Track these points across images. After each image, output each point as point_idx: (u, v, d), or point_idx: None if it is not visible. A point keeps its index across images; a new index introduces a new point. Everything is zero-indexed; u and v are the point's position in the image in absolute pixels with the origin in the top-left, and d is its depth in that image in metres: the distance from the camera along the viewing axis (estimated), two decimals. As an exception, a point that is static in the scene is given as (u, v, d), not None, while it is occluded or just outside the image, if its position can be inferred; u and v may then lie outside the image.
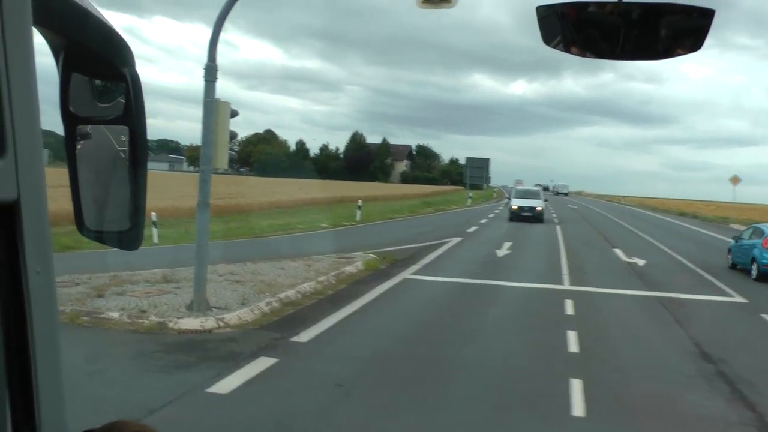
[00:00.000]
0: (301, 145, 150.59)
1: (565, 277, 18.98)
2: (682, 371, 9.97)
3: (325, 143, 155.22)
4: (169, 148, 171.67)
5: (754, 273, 20.84)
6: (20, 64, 0.93)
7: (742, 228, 28.97)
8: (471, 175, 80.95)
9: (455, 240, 28.17)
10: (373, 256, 20.62)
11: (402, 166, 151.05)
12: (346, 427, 7.33)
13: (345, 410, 7.75)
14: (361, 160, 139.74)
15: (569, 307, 14.29)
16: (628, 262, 23.70)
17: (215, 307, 12.02)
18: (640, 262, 23.60)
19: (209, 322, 11.22)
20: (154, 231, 21.80)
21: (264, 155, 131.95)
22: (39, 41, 1.06)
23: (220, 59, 11.94)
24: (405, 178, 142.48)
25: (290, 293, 13.95)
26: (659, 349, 11.34)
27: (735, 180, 57.08)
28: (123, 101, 1.33)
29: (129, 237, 1.41)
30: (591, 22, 1.68)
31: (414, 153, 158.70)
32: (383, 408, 7.91)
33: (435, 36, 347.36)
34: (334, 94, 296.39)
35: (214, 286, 13.44)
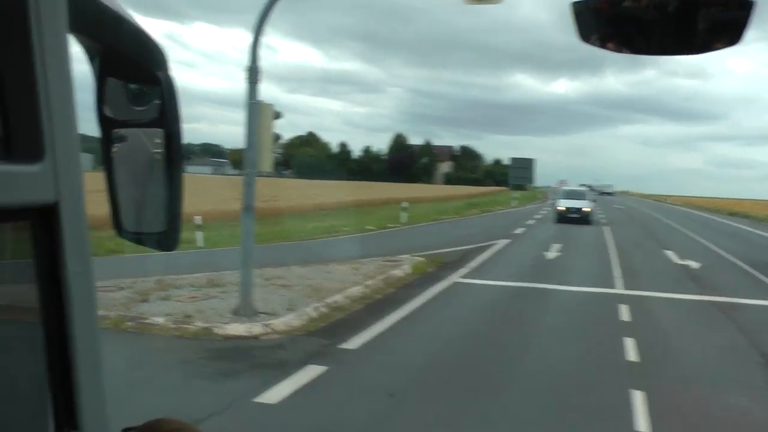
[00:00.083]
0: (343, 147, 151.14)
1: (618, 281, 18.44)
2: (752, 383, 9.47)
3: (368, 145, 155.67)
4: (211, 151, 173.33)
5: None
6: (57, 70, 0.96)
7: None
8: (516, 175, 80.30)
9: (503, 242, 27.69)
10: (420, 259, 20.27)
11: (445, 167, 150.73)
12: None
13: (397, 422, 7.47)
14: (404, 162, 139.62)
15: (624, 313, 13.82)
16: (681, 265, 23.01)
17: (262, 313, 11.80)
18: (694, 265, 22.91)
19: (256, 328, 11.00)
20: (199, 234, 21.76)
21: (306, 157, 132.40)
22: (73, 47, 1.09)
23: (261, 62, 11.77)
24: (448, 179, 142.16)
25: (338, 298, 13.69)
26: (723, 359, 10.82)
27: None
28: (158, 104, 1.36)
29: (166, 238, 1.43)
30: (627, 17, 1.65)
31: (457, 154, 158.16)
32: (436, 419, 7.59)
33: (475, 36, 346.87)
34: (375, 95, 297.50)
35: (261, 290, 13.20)
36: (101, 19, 1.17)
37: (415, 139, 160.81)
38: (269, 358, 9.73)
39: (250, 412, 7.54)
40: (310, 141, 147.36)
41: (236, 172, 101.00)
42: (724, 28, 1.63)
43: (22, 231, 0.98)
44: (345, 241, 26.00)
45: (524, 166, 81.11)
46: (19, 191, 0.92)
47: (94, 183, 1.46)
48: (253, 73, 11.62)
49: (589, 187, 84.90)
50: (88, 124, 1.32)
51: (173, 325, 10.99)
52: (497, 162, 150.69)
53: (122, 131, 1.39)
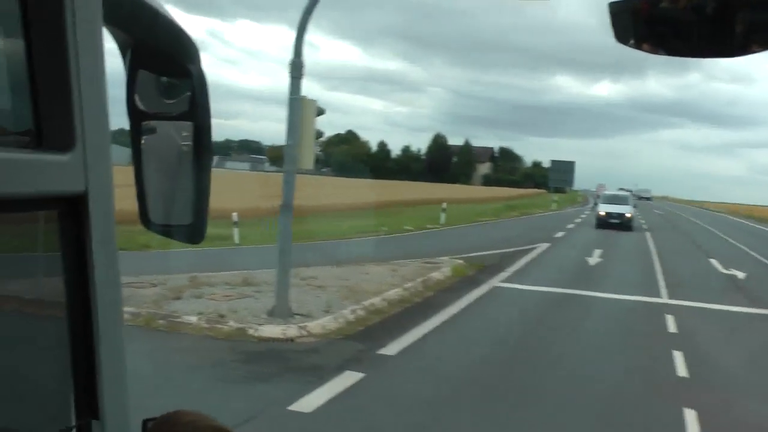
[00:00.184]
0: (382, 146, 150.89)
1: (663, 290, 17.88)
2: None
3: (407, 144, 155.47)
4: (250, 148, 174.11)
5: None
6: (91, 62, 0.98)
7: None
8: (556, 178, 79.54)
9: (543, 246, 27.17)
10: (460, 261, 19.88)
11: (484, 168, 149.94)
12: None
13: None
14: (443, 162, 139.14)
15: (671, 324, 13.33)
16: (727, 275, 22.37)
17: (297, 314, 11.51)
18: (740, 275, 22.24)
19: (291, 330, 10.72)
20: (235, 231, 21.60)
21: (345, 156, 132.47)
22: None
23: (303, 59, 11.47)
24: (487, 181, 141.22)
25: (375, 300, 13.37)
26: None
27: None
28: (188, 97, 1.37)
29: (193, 230, 1.45)
30: (664, 18, 1.57)
31: (496, 155, 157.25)
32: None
33: (517, 37, 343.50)
34: (416, 95, 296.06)
35: (296, 291, 12.90)
36: (137, 12, 1.20)
37: (454, 140, 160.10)
38: (304, 363, 9.45)
39: (283, 420, 7.25)
40: (349, 139, 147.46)
41: (274, 168, 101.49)
42: (762, 31, 1.51)
43: (51, 222, 1.01)
44: (382, 242, 25.70)
45: (565, 169, 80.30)
46: (48, 180, 0.94)
47: (128, 176, 1.47)
48: (297, 68, 11.33)
49: (630, 191, 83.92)
50: (123, 118, 1.38)
51: (206, 325, 10.75)
52: (536, 164, 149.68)
53: (152, 123, 1.40)
